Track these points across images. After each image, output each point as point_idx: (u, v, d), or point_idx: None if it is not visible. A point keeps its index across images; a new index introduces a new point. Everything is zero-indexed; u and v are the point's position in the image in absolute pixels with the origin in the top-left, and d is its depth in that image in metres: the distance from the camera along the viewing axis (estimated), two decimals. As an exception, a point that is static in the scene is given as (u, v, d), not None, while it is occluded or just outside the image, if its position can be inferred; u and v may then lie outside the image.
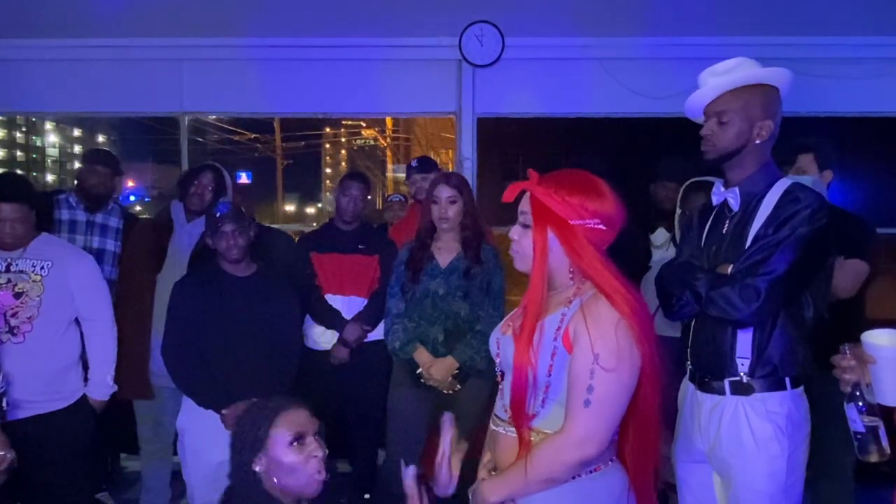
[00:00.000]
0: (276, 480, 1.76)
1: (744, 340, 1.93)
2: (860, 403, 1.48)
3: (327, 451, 1.81)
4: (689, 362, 2.08)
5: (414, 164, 3.86)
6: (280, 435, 1.77)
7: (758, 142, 1.96)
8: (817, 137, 2.86)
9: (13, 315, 2.63)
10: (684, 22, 4.32)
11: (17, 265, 2.67)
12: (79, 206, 3.50)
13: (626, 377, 1.48)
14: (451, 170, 5.13)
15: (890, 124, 4.72)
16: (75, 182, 3.60)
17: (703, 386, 2.01)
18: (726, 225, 2.02)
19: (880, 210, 4.64)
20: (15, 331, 2.63)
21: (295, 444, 1.77)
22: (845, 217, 2.71)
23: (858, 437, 1.48)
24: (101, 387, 2.83)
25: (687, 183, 3.26)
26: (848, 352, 1.48)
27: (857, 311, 2.70)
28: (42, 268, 2.70)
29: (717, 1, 4.17)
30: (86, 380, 2.85)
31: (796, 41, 4.45)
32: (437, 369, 2.79)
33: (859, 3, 4.23)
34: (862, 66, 4.50)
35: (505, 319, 1.72)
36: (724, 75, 1.97)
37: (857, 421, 1.48)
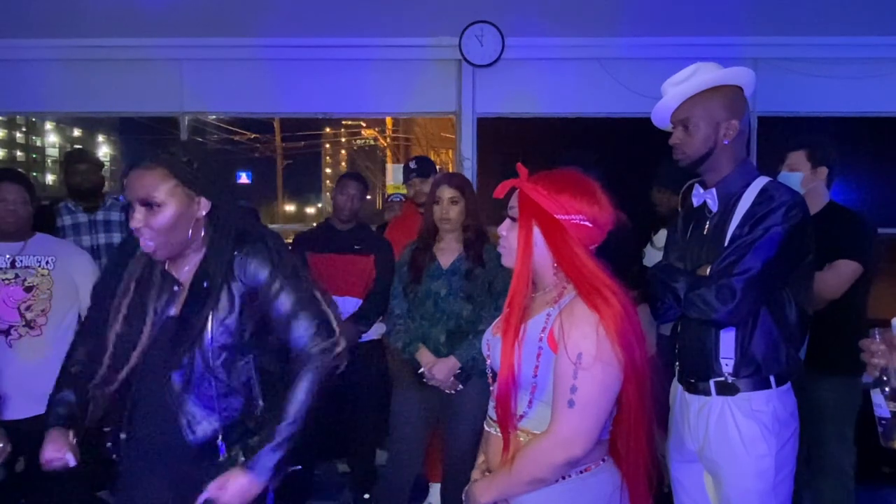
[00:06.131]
0: None
1: (727, 341, 1.93)
2: (887, 389, 1.44)
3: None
4: (676, 363, 2.09)
5: (412, 165, 3.84)
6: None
7: (726, 142, 1.97)
8: (812, 135, 2.85)
9: (27, 308, 2.67)
10: (683, 22, 4.33)
11: (21, 261, 2.71)
12: (78, 209, 3.61)
13: (609, 377, 1.47)
14: (451, 170, 5.14)
15: (889, 124, 4.73)
16: (66, 189, 3.72)
17: (690, 387, 2.02)
18: (706, 226, 2.03)
19: (880, 210, 4.65)
20: (32, 324, 2.67)
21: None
22: (843, 215, 2.71)
23: (883, 422, 1.44)
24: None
25: (686, 185, 3.26)
26: (878, 336, 1.45)
27: (855, 312, 2.68)
28: (47, 262, 2.74)
29: (716, 1, 4.17)
30: None
31: (795, 41, 4.46)
32: (440, 369, 2.79)
33: (858, 3, 4.23)
34: (862, 66, 4.50)
35: (496, 321, 1.72)
36: (683, 83, 2.00)
37: (882, 406, 1.44)
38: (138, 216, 1.65)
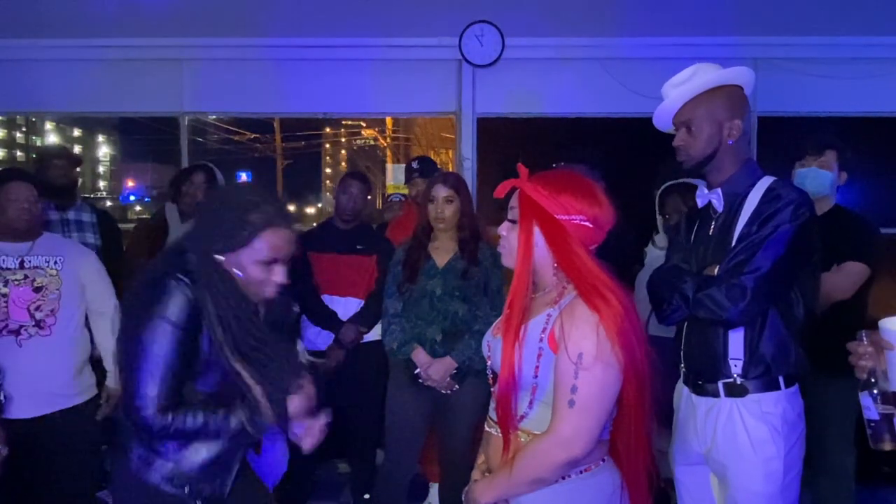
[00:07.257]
0: (237, 272, 1.77)
1: (735, 342, 1.92)
2: (875, 391, 1.44)
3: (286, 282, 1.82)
4: (682, 365, 2.07)
5: (415, 164, 3.84)
6: (257, 249, 1.73)
7: (730, 142, 1.97)
8: (841, 139, 2.86)
9: (37, 309, 2.66)
10: (683, 22, 4.34)
11: (29, 261, 2.70)
12: (49, 207, 3.46)
13: (609, 377, 1.47)
14: (450, 170, 5.14)
15: (889, 124, 4.73)
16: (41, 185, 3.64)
17: (698, 389, 2.00)
18: (712, 226, 2.02)
19: (880, 210, 4.64)
20: (42, 324, 2.66)
21: (265, 265, 1.76)
22: (848, 218, 2.71)
23: (872, 424, 1.45)
24: None
25: (662, 187, 3.26)
26: (865, 338, 1.46)
27: (858, 313, 2.68)
28: (56, 262, 2.73)
29: (716, 1, 4.18)
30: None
31: (795, 41, 4.46)
32: (436, 369, 2.79)
33: (858, 3, 4.24)
34: (862, 66, 4.50)
35: (496, 322, 1.72)
36: (683, 84, 1.99)
37: (871, 409, 1.44)
38: (284, 272, 1.79)
